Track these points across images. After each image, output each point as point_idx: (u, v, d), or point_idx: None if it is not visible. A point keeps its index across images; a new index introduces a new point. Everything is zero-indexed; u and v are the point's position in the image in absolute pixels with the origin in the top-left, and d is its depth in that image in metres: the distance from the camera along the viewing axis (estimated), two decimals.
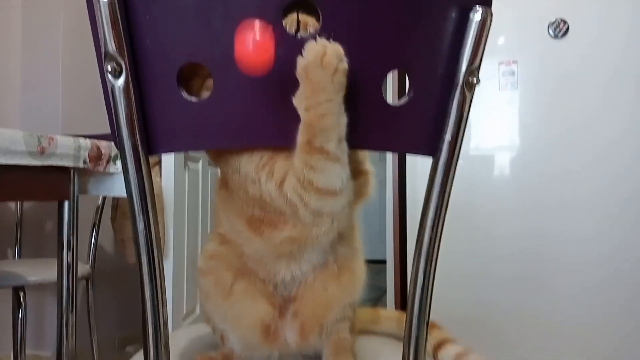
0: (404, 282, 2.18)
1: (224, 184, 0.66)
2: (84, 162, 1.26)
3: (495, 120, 1.79)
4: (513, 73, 1.74)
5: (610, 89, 1.66)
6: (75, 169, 1.29)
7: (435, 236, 0.62)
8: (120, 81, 0.54)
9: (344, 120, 0.55)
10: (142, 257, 0.60)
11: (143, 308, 0.63)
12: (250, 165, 0.59)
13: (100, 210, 2.00)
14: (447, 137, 0.60)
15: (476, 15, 0.57)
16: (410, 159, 1.91)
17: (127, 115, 0.55)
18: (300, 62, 0.52)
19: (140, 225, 0.57)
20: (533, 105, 1.74)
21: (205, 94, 0.55)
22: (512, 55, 1.75)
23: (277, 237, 0.62)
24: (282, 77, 0.54)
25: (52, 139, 1.16)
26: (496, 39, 1.77)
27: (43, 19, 2.27)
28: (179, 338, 0.83)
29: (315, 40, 0.52)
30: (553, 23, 1.70)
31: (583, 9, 1.68)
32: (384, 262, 2.32)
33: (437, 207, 0.62)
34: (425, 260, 0.63)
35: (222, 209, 0.70)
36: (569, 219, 1.70)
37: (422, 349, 0.64)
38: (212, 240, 0.72)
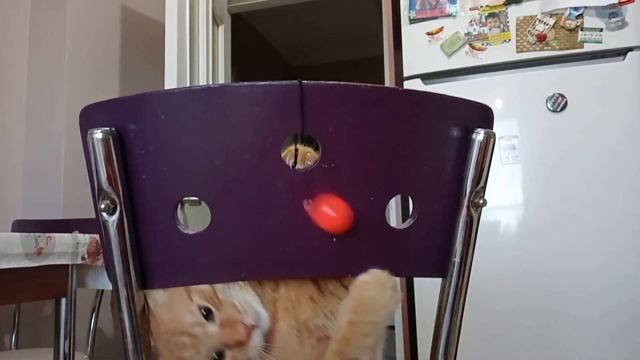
0: (414, 348, 2.10)
1: None
2: (83, 257, 1.24)
3: (499, 193, 1.77)
4: (514, 147, 1.74)
5: (611, 161, 1.65)
6: (74, 265, 1.27)
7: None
8: (114, 217, 0.53)
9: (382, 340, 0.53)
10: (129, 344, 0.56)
11: None
12: None
13: (100, 295, 1.95)
14: (456, 259, 0.57)
15: (478, 137, 0.56)
16: None
17: (121, 252, 0.53)
18: (361, 277, 0.52)
19: None
20: (535, 178, 1.73)
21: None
22: (512, 129, 1.75)
23: None
24: (281, 209, 0.52)
25: (50, 237, 1.14)
26: (496, 114, 1.78)
27: (46, 101, 2.31)
28: None
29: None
30: (551, 97, 1.71)
31: (580, 84, 1.70)
32: (393, 327, 2.25)
33: (449, 330, 0.59)
34: None
35: None
36: (573, 290, 1.65)
37: None
38: None
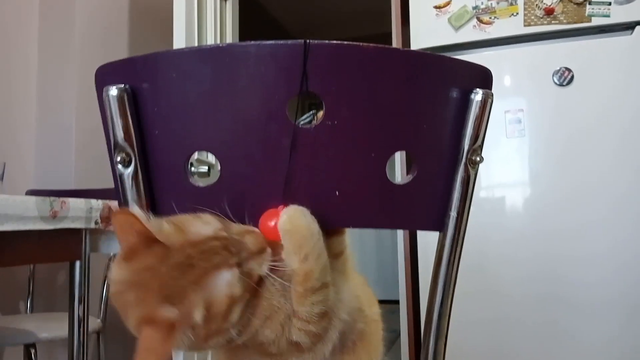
0: (417, 321, 2.15)
1: None
2: (96, 222, 1.28)
3: (505, 167, 1.78)
4: (520, 121, 1.75)
5: (619, 136, 1.66)
6: (87, 229, 1.31)
7: (445, 311, 0.62)
8: (129, 170, 0.56)
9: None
10: None
11: None
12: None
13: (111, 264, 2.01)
14: (453, 214, 0.60)
15: (477, 97, 0.58)
16: None
17: (136, 202, 0.57)
18: (281, 226, 0.52)
19: None
20: (542, 152, 1.74)
21: None
22: (518, 103, 1.76)
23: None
24: (286, 166, 0.55)
25: (64, 202, 1.18)
26: (502, 87, 1.79)
27: (57, 73, 2.34)
28: None
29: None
30: (558, 71, 1.71)
31: (587, 58, 1.70)
32: (397, 301, 2.30)
33: (445, 282, 0.62)
34: (436, 336, 0.63)
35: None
36: (582, 267, 1.67)
37: None
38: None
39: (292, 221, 0.52)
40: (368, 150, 0.56)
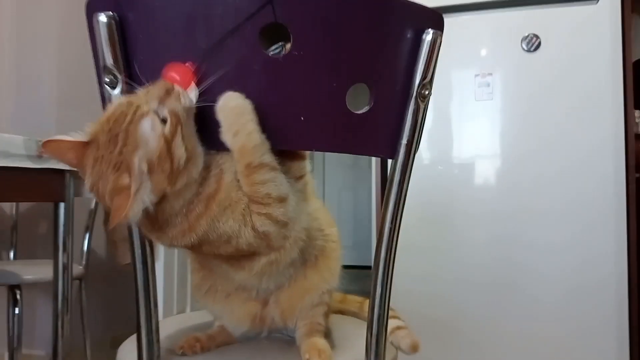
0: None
1: None
2: None
3: (473, 129, 1.88)
4: (488, 84, 1.84)
5: (582, 99, 1.76)
6: (71, 172, 1.37)
7: (394, 227, 0.71)
8: (116, 91, 0.63)
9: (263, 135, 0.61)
10: (136, 250, 0.68)
11: (136, 294, 0.71)
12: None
13: (93, 214, 2.07)
14: (404, 141, 0.69)
15: (428, 36, 0.66)
16: None
17: None
18: (217, 108, 0.60)
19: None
20: (509, 115, 1.83)
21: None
22: (487, 67, 1.84)
23: (257, 265, 0.68)
24: (257, 88, 0.62)
25: None
26: (473, 52, 1.86)
27: (38, 21, 2.34)
28: (168, 324, 0.91)
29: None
30: (526, 37, 1.79)
31: (554, 24, 1.78)
32: (369, 267, 2.43)
33: (395, 203, 0.71)
34: (386, 249, 0.71)
35: (198, 258, 0.78)
36: (546, 225, 1.78)
37: (383, 331, 0.72)
38: (195, 271, 0.80)
39: (226, 102, 0.59)
40: (330, 80, 0.64)
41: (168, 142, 0.55)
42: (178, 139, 0.56)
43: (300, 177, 0.71)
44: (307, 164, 0.73)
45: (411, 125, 0.68)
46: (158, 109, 0.56)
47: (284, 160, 0.68)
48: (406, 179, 0.70)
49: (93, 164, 0.56)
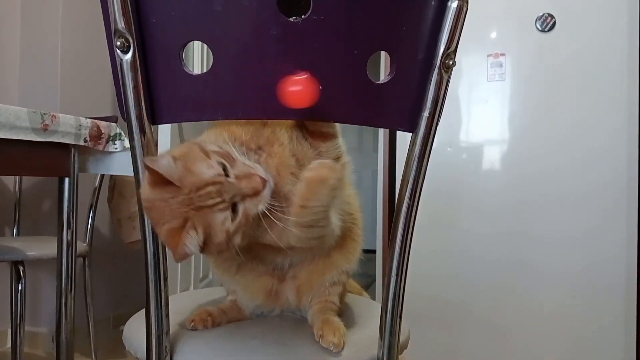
0: (390, 268, 2.25)
1: None
2: (85, 140, 1.31)
3: (484, 110, 1.85)
4: (501, 65, 1.80)
5: (599, 82, 1.72)
6: (76, 146, 1.34)
7: (412, 204, 0.68)
8: (128, 56, 0.60)
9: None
10: (147, 223, 0.66)
11: (146, 267, 0.69)
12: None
13: (97, 191, 2.05)
14: (425, 114, 0.66)
15: (453, 4, 0.63)
16: (401, 151, 1.97)
17: (133, 87, 0.61)
18: (305, 174, 0.61)
19: None
20: (521, 97, 1.80)
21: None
22: (500, 47, 1.80)
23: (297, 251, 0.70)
24: (275, 55, 0.60)
25: (55, 116, 1.21)
26: (485, 32, 1.82)
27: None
28: (176, 300, 0.89)
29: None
30: (540, 17, 1.75)
31: (570, 4, 1.74)
32: (374, 251, 2.42)
33: (415, 179, 0.68)
34: (403, 226, 0.69)
35: None
36: (555, 213, 1.75)
37: (398, 310, 0.71)
38: None
39: (314, 172, 0.61)
40: (351, 47, 0.61)
41: (229, 236, 0.60)
42: (238, 236, 0.60)
43: (338, 157, 0.70)
44: (340, 142, 0.72)
45: (434, 97, 0.65)
46: (238, 202, 0.60)
47: (316, 142, 0.68)
48: (426, 155, 0.67)
49: (160, 199, 0.59)
